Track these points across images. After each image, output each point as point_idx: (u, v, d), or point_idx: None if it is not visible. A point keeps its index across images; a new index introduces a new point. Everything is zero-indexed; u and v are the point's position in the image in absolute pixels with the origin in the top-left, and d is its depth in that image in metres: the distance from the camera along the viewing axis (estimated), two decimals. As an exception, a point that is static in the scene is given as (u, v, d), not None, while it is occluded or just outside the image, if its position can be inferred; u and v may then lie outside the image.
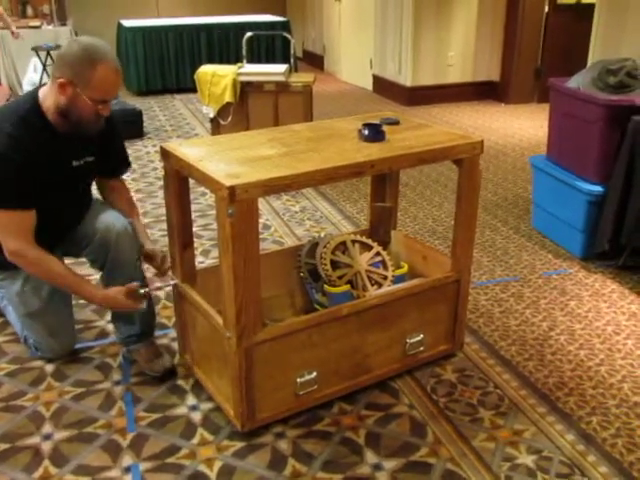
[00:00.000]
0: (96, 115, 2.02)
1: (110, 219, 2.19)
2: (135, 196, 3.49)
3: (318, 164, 1.88)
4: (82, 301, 2.78)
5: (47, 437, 2.00)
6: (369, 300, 2.14)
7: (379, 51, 7.40)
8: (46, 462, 1.90)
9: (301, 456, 1.93)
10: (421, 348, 2.29)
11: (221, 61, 7.15)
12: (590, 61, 4.53)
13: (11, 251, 2.03)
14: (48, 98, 2.03)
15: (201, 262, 3.15)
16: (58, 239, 2.25)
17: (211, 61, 7.03)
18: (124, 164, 2.39)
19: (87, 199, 2.31)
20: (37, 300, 2.25)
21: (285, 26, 7.83)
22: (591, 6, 4.77)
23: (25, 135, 1.99)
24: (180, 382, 2.27)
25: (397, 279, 2.43)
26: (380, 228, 2.69)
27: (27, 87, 6.90)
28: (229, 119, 4.31)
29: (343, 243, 2.49)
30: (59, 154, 2.09)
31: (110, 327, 2.57)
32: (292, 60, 4.69)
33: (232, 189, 1.69)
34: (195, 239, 3.10)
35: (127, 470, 1.87)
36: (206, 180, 1.82)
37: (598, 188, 3.05)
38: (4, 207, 1.98)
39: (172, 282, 2.24)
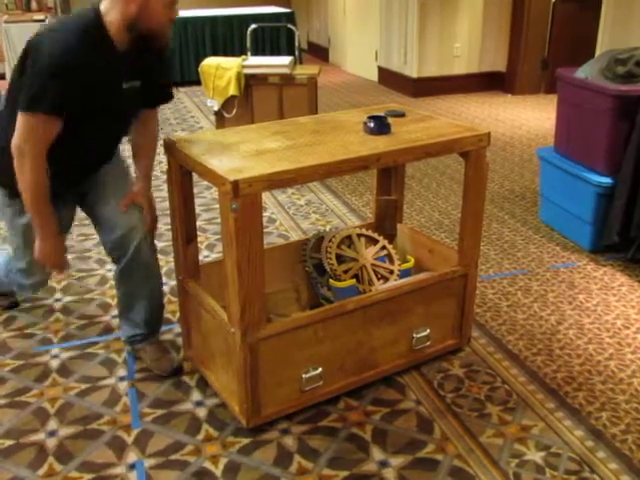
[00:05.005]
0: (167, 21, 1.93)
1: (133, 222, 2.12)
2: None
3: (323, 158, 1.85)
4: (87, 296, 2.79)
5: (52, 434, 1.99)
6: (375, 295, 2.11)
7: (384, 42, 7.34)
8: (51, 459, 1.89)
9: (307, 452, 1.91)
10: (428, 343, 2.26)
11: (225, 54, 7.10)
12: (598, 51, 4.48)
13: (21, 149, 1.88)
14: (111, 11, 1.88)
15: (206, 256, 3.14)
16: (81, 175, 2.16)
17: (215, 54, 6.99)
18: (167, 95, 2.23)
19: (118, 141, 2.22)
20: None
21: (290, 18, 7.78)
22: (599, -5, 4.70)
23: (83, 46, 1.85)
24: (185, 378, 2.25)
25: (403, 273, 2.41)
26: (386, 221, 2.67)
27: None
28: (234, 112, 4.28)
29: (349, 237, 2.46)
30: (114, 72, 1.95)
31: (115, 322, 2.57)
32: (297, 52, 4.67)
33: (235, 183, 1.67)
34: (200, 233, 3.09)
35: (132, 467, 1.86)
36: (209, 174, 1.80)
37: (607, 180, 3.01)
38: (39, 110, 1.83)
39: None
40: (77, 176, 2.16)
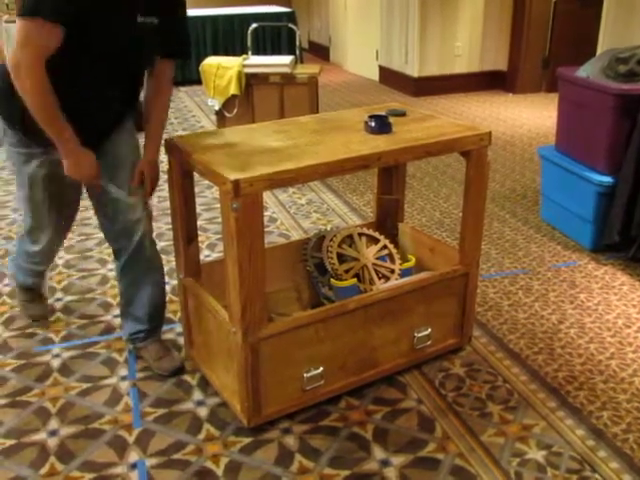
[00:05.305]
0: None
1: (137, 215, 2.10)
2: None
3: (324, 157, 1.85)
4: (88, 295, 2.79)
5: (53, 433, 1.99)
6: (376, 294, 2.11)
7: (385, 41, 7.34)
8: (52, 458, 1.89)
9: (308, 452, 1.91)
10: (429, 342, 2.26)
11: (226, 53, 7.10)
12: (599, 50, 4.47)
13: (17, 61, 1.74)
14: None
15: (207, 256, 3.14)
16: (89, 134, 2.03)
17: (216, 53, 6.99)
18: (185, 51, 2.18)
19: (129, 91, 2.13)
20: (44, 191, 2.12)
21: (290, 17, 7.78)
22: (600, -6, 4.69)
23: None
24: (186, 377, 2.25)
25: (404, 272, 2.41)
26: (387, 221, 2.67)
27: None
28: (234, 111, 4.28)
29: (350, 236, 2.46)
30: (128, 2, 1.87)
31: (116, 321, 2.57)
32: (298, 51, 4.66)
33: (236, 183, 1.67)
34: (201, 232, 3.09)
35: (133, 466, 1.86)
36: (210, 174, 1.80)
37: (608, 179, 3.01)
38: (39, 15, 1.71)
39: None
40: (86, 135, 2.01)
